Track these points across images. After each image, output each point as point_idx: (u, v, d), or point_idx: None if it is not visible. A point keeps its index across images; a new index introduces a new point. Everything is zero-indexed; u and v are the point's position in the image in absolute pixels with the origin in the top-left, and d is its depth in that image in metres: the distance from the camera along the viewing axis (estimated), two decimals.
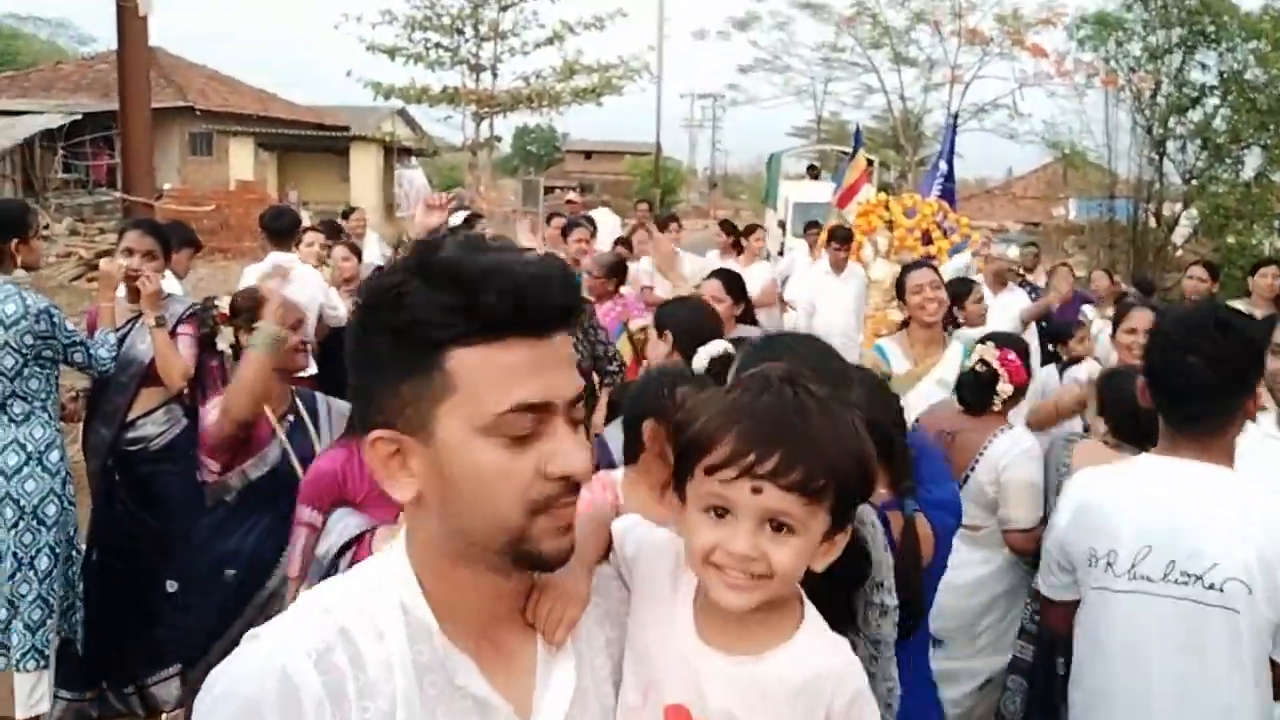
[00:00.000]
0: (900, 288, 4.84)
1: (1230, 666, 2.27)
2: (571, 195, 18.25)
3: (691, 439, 1.30)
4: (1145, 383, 2.51)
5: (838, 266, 8.29)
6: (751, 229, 10.53)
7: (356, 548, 2.83)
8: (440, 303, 1.13)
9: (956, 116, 9.51)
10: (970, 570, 3.75)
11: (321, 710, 1.12)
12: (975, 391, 3.84)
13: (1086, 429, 4.36)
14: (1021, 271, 8.53)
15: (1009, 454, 3.74)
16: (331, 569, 2.78)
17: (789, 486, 1.24)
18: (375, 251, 9.65)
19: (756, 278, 8.35)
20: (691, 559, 1.31)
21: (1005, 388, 3.77)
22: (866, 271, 6.52)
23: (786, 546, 1.25)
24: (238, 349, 3.99)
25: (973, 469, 3.79)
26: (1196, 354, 2.33)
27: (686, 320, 3.92)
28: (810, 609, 1.36)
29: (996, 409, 3.84)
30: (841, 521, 1.31)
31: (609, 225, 12.07)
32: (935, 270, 4.93)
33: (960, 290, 5.80)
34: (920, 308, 4.69)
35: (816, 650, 1.32)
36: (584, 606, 1.30)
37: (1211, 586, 2.26)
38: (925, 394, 4.44)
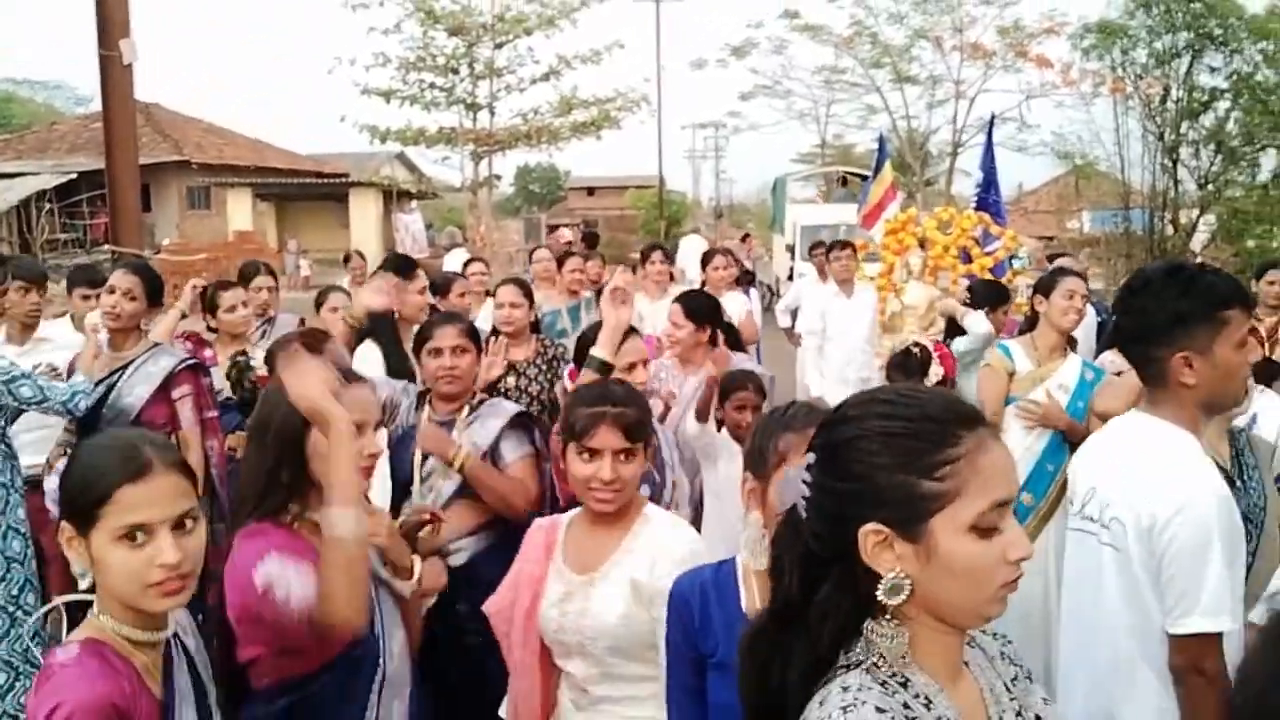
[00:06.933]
0: (1047, 286, 4.79)
1: (1119, 603, 2.39)
2: (567, 234, 17.90)
3: None
4: None
5: (845, 284, 7.81)
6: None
7: None
8: None
9: (993, 119, 8.94)
10: None
11: None
12: (906, 373, 3.94)
13: None
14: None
15: None
16: None
17: None
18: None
19: (730, 311, 6.47)
20: None
21: (936, 371, 3.92)
22: (899, 296, 6.06)
23: None
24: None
25: None
26: (1119, 311, 2.58)
27: None
28: None
29: None
30: None
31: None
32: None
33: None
34: (1065, 314, 4.70)
35: None
36: None
37: (1105, 525, 2.44)
38: (1044, 397, 4.55)
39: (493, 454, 3.73)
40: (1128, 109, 17.64)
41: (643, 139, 59.47)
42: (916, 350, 3.82)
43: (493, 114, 21.92)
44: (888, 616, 1.41)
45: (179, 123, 34.72)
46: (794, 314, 9.48)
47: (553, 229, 34.84)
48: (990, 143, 7.33)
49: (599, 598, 2.58)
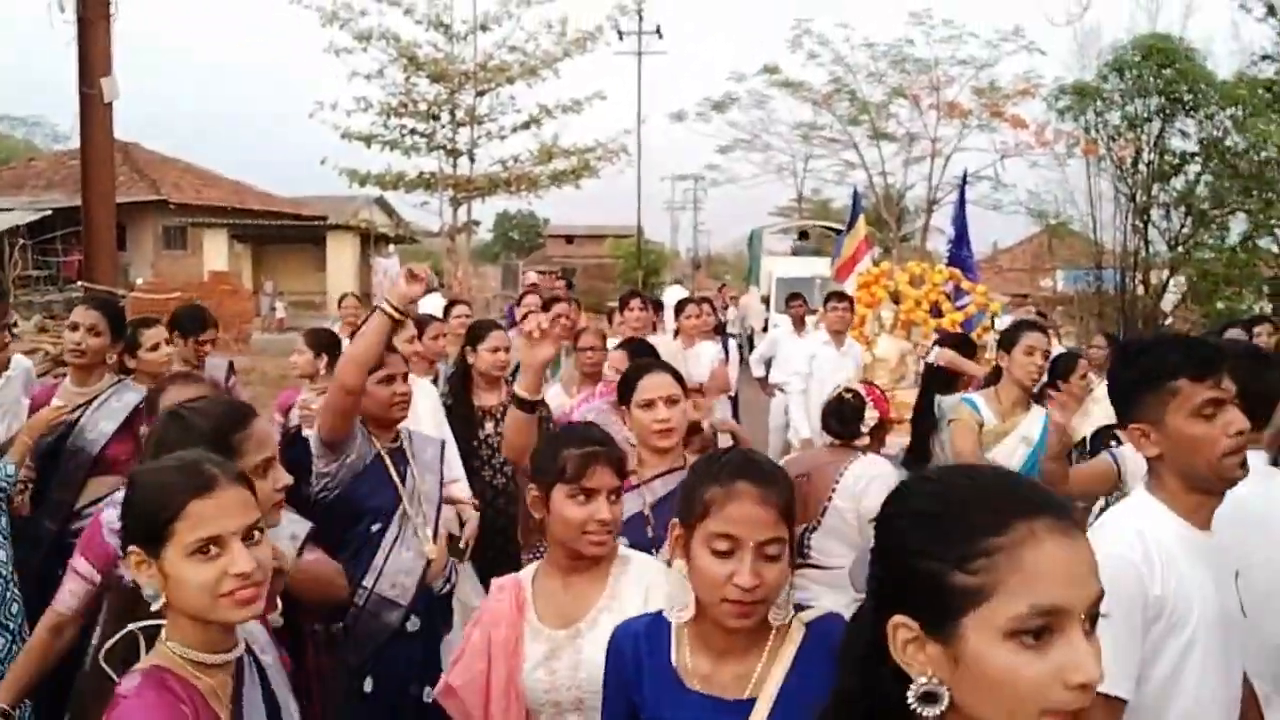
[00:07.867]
0: (1009, 340, 4.84)
1: None
2: (534, 275, 18.06)
3: None
4: None
5: (837, 334, 7.51)
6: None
7: None
8: None
9: (965, 176, 9.04)
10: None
11: None
12: (842, 420, 4.06)
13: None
14: None
15: (864, 477, 3.97)
16: None
17: None
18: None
19: (702, 359, 6.84)
20: None
21: (871, 415, 4.03)
22: (870, 349, 6.08)
23: None
24: None
25: (830, 499, 4.00)
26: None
27: None
28: None
29: (862, 439, 4.06)
30: None
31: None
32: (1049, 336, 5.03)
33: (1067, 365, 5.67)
34: (1025, 369, 4.74)
35: None
36: None
37: None
38: (1010, 449, 4.60)
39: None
40: (1100, 170, 17.94)
41: (623, 188, 59.63)
42: (849, 396, 3.89)
43: (473, 160, 21.97)
44: None
45: (157, 163, 34.64)
46: (768, 364, 9.45)
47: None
48: (963, 200, 7.41)
49: (592, 647, 2.46)
